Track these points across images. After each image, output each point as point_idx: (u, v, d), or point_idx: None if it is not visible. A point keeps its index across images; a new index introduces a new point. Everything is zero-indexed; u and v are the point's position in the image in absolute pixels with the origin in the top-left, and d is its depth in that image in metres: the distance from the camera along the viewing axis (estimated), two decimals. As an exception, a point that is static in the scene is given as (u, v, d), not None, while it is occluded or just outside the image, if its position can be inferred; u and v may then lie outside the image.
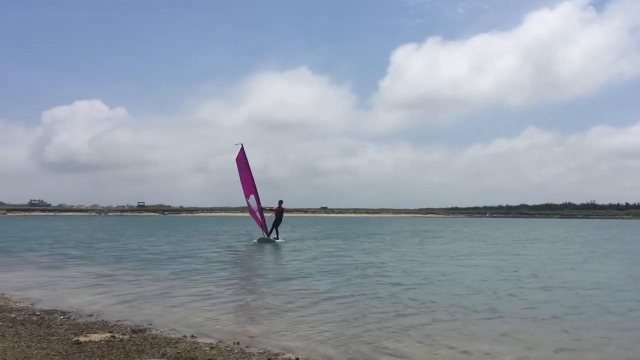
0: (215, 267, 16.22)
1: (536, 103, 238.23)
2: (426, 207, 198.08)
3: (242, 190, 27.20)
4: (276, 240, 27.17)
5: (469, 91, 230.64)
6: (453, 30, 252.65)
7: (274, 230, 27.58)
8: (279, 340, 7.13)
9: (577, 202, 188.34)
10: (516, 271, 15.27)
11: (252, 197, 27.00)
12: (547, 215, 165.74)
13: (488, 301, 10.21)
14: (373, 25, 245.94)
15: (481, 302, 10.03)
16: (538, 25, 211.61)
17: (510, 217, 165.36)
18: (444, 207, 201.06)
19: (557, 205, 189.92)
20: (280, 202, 27.74)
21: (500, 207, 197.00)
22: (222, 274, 14.60)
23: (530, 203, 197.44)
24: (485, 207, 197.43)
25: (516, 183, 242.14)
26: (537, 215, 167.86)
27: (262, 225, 27.33)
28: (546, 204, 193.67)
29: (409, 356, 6.44)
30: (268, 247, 24.83)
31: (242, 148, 27.12)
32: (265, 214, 27.31)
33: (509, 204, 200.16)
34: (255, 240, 27.82)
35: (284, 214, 28.21)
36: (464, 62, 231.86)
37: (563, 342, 7.16)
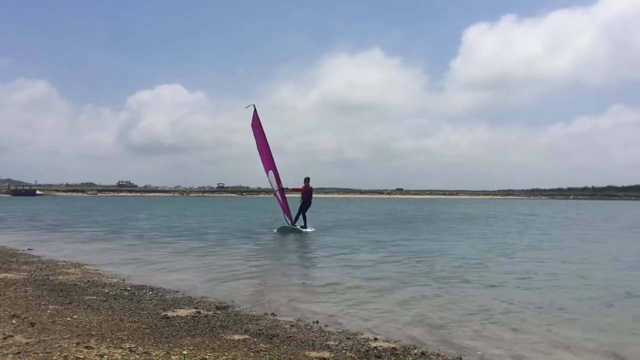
0: (274, 246, 16.62)
1: (620, 80, 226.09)
2: (506, 188, 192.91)
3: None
4: (303, 230, 21.67)
5: (547, 69, 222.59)
6: (529, 6, 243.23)
7: (301, 217, 22.18)
8: (355, 320, 7.18)
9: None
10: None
11: (271, 173, 21.73)
12: (637, 197, 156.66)
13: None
14: (447, 3, 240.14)
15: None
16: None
17: (596, 199, 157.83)
18: (525, 188, 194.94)
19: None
20: (307, 179, 22.21)
21: (585, 189, 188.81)
22: (281, 254, 14.98)
23: (618, 184, 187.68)
24: (569, 189, 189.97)
25: (601, 163, 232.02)
26: (625, 197, 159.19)
27: (285, 209, 21.99)
28: (636, 185, 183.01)
29: (492, 339, 6.32)
30: (291, 237, 20.28)
31: (255, 110, 21.76)
32: (288, 196, 22.15)
33: (595, 185, 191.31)
34: (275, 230, 22.51)
35: (313, 195, 22.68)
36: (541, 40, 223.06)
37: None
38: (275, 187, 21.65)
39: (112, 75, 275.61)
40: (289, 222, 21.85)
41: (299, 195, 22.02)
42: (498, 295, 9.03)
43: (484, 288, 9.70)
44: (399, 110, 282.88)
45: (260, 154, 21.90)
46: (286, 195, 22.03)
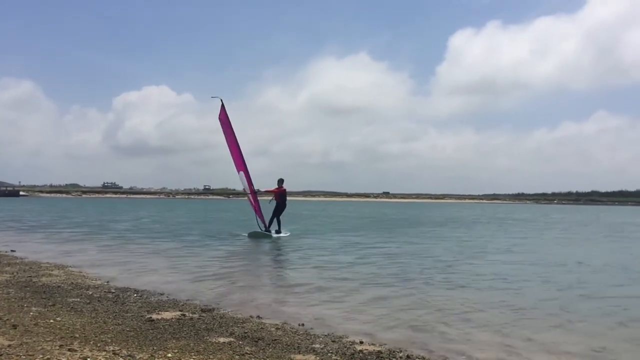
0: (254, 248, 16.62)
1: (604, 86, 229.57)
2: (491, 192, 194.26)
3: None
4: (276, 235, 20.52)
5: (532, 75, 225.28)
6: (515, 13, 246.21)
7: (275, 221, 20.92)
8: (341, 323, 7.19)
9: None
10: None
11: (241, 173, 20.51)
12: (621, 203, 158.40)
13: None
14: (433, 8, 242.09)
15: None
16: (602, 6, 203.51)
17: (580, 204, 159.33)
18: (510, 193, 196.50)
19: (631, 192, 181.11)
20: (281, 181, 20.76)
21: (569, 194, 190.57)
22: (260, 255, 15.01)
23: (602, 189, 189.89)
24: (553, 194, 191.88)
25: (586, 168, 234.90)
26: (609, 203, 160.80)
27: (258, 212, 20.68)
28: (619, 191, 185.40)
29: (476, 342, 6.35)
30: (270, 241, 19.59)
31: (223, 105, 20.51)
32: (260, 199, 20.74)
33: (579, 190, 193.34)
34: (245, 236, 21.09)
35: (287, 198, 21.18)
36: (527, 46, 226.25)
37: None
38: (247, 188, 20.48)
39: (98, 76, 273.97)
40: (263, 226, 20.53)
41: (271, 197, 20.68)
42: (478, 297, 9.14)
43: (464, 290, 9.84)
44: (386, 113, 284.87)
45: (230, 151, 20.64)
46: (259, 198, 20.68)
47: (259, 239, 19.91)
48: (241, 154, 20.49)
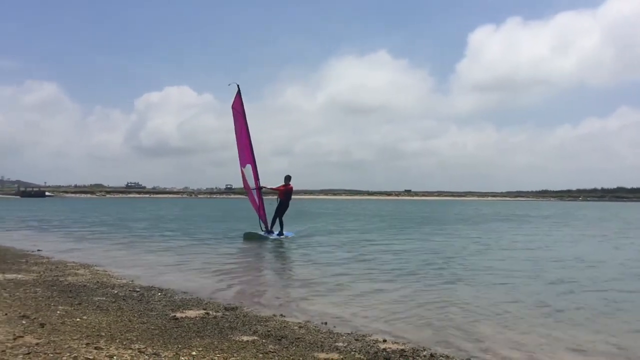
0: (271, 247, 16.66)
1: (626, 82, 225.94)
2: (515, 190, 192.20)
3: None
4: (277, 237, 18.86)
5: (553, 71, 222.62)
6: (535, 9, 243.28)
7: (277, 221, 19.24)
8: (364, 321, 7.17)
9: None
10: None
11: (248, 167, 19.08)
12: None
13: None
14: (452, 5, 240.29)
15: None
16: (623, 1, 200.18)
17: (605, 200, 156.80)
18: (534, 190, 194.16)
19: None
20: (288, 178, 19.29)
21: (594, 190, 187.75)
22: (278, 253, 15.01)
23: (628, 186, 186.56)
24: (578, 190, 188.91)
25: (611, 164, 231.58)
26: (634, 199, 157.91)
27: (260, 210, 19.18)
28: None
29: (498, 340, 6.29)
30: (284, 238, 18.83)
31: (239, 91, 19.18)
32: (264, 198, 19.44)
33: (605, 186, 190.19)
34: (242, 239, 19.29)
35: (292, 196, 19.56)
36: (547, 42, 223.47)
37: None
38: (252, 184, 19.02)
39: (120, 77, 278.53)
40: (264, 228, 19.11)
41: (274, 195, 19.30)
42: (503, 295, 9.04)
43: (488, 288, 9.74)
44: (406, 111, 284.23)
45: (238, 143, 19.29)
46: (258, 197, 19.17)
47: (257, 240, 18.44)
48: (251, 146, 19.07)
